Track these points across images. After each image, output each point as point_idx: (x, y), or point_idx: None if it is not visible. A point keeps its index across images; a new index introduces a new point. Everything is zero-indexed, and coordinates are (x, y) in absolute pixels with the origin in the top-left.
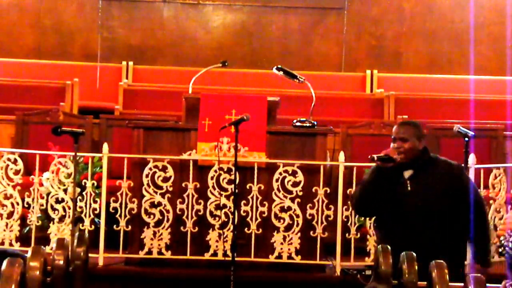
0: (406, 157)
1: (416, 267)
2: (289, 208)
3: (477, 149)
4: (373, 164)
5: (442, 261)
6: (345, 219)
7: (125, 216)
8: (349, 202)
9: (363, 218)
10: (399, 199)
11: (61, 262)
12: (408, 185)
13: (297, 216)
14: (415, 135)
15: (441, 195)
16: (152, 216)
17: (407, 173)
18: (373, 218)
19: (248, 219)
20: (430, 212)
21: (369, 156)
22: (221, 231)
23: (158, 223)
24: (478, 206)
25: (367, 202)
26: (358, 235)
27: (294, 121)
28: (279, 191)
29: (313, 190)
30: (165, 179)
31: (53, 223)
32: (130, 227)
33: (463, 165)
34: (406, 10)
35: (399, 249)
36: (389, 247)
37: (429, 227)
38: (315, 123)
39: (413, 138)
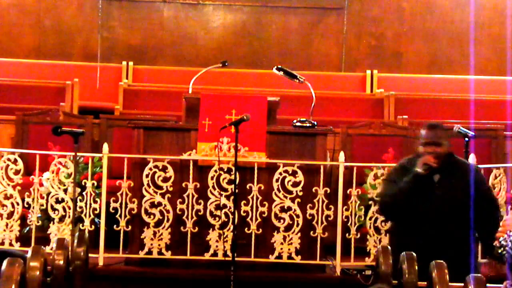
0: (439, 161)
1: (417, 268)
2: (289, 208)
3: (477, 149)
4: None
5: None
6: (345, 219)
7: (125, 216)
8: (349, 203)
9: (363, 218)
10: (426, 203)
11: (61, 262)
12: (436, 189)
13: (297, 216)
14: (446, 139)
15: (465, 197)
16: (152, 216)
17: (436, 177)
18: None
19: (248, 219)
20: (457, 216)
21: (418, 171)
22: (221, 231)
23: (158, 223)
24: (493, 201)
25: (401, 207)
26: (358, 235)
27: (294, 121)
28: (279, 191)
29: (313, 190)
30: (165, 179)
31: (53, 223)
32: (130, 227)
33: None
34: (406, 10)
35: (425, 252)
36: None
37: (456, 230)
38: (315, 123)
39: (445, 142)
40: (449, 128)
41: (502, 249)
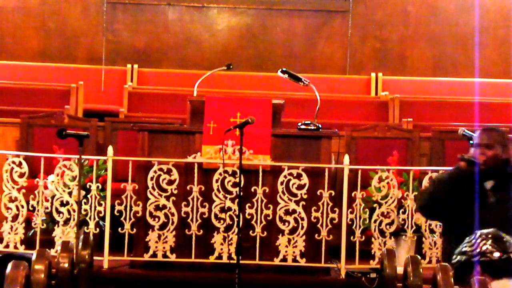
0: (488, 165)
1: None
2: (294, 211)
3: None
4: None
5: None
6: (350, 222)
7: (130, 219)
8: (354, 205)
9: (367, 221)
10: (478, 211)
11: (66, 265)
12: (490, 196)
13: (302, 219)
14: (499, 143)
15: None
16: (157, 219)
17: (488, 184)
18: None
19: (253, 222)
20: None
21: (459, 155)
22: (226, 234)
23: (163, 226)
24: None
25: (436, 201)
26: (363, 238)
27: (299, 124)
28: (283, 194)
29: (318, 193)
30: (170, 182)
31: (58, 226)
32: (135, 230)
33: None
34: (411, 13)
35: None
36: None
37: None
38: (320, 126)
39: (497, 146)
40: (506, 133)
41: (463, 256)
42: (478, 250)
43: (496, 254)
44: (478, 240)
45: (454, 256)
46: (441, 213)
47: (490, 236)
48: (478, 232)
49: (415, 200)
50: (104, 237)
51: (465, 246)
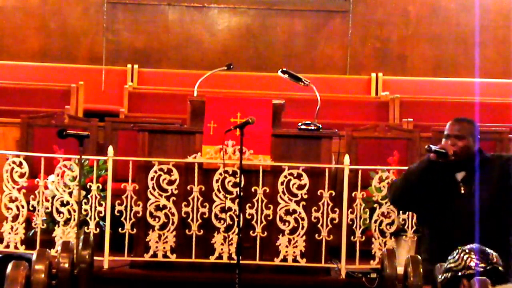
0: (459, 156)
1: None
2: (294, 211)
3: None
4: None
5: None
6: (350, 222)
7: (130, 219)
8: (354, 206)
9: (368, 221)
10: (450, 202)
11: (66, 265)
12: (461, 188)
13: (302, 219)
14: (470, 134)
15: (496, 196)
16: (157, 219)
17: (459, 175)
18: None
19: (253, 222)
20: (484, 216)
21: (426, 146)
22: (226, 234)
23: (163, 226)
24: None
25: (406, 192)
26: (363, 238)
27: (299, 124)
28: (284, 194)
29: (318, 193)
30: (170, 182)
31: (58, 226)
32: (135, 230)
33: None
34: (411, 13)
35: (447, 251)
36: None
37: (482, 231)
38: (320, 126)
39: (468, 137)
40: (476, 123)
41: (449, 273)
42: (462, 264)
43: (481, 266)
44: (462, 255)
45: (439, 275)
46: (413, 205)
47: (473, 250)
48: (460, 248)
49: (387, 194)
50: (104, 237)
51: (450, 263)
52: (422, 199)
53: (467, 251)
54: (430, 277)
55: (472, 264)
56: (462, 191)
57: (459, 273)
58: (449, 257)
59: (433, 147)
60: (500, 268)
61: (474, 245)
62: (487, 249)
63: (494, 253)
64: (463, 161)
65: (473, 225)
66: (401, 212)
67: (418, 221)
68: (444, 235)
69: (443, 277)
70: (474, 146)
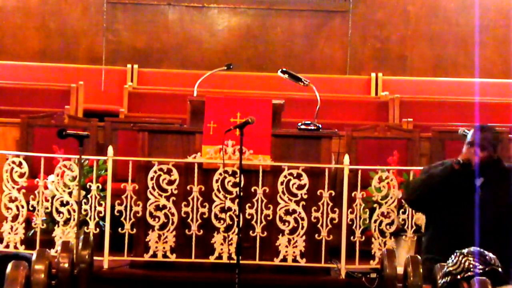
0: (480, 165)
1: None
2: (294, 211)
3: None
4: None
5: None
6: (350, 222)
7: (130, 219)
8: (354, 206)
9: (368, 221)
10: (467, 206)
11: (66, 265)
12: (479, 194)
13: (302, 219)
14: (492, 144)
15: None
16: (157, 219)
17: (478, 181)
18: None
19: (253, 222)
20: (500, 223)
21: (455, 160)
22: (226, 234)
23: (163, 226)
24: None
25: (426, 194)
26: (363, 238)
27: (299, 124)
28: (284, 194)
29: (318, 193)
30: (170, 182)
31: (58, 226)
32: (135, 230)
33: None
34: (411, 13)
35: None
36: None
37: (497, 238)
38: (320, 126)
39: (490, 147)
40: (499, 132)
41: (448, 276)
42: (461, 267)
43: (480, 268)
44: (460, 258)
45: (439, 280)
46: (428, 206)
47: (471, 253)
48: (458, 252)
49: (403, 193)
50: (104, 237)
51: (449, 267)
52: (439, 202)
53: (465, 254)
54: (431, 276)
55: (471, 266)
56: (480, 196)
57: (458, 276)
58: (448, 261)
59: (461, 160)
60: (499, 269)
61: (472, 248)
62: (485, 251)
63: (493, 256)
64: (483, 167)
65: (487, 230)
66: (401, 212)
67: (427, 221)
68: (458, 237)
69: (442, 281)
70: (495, 155)
